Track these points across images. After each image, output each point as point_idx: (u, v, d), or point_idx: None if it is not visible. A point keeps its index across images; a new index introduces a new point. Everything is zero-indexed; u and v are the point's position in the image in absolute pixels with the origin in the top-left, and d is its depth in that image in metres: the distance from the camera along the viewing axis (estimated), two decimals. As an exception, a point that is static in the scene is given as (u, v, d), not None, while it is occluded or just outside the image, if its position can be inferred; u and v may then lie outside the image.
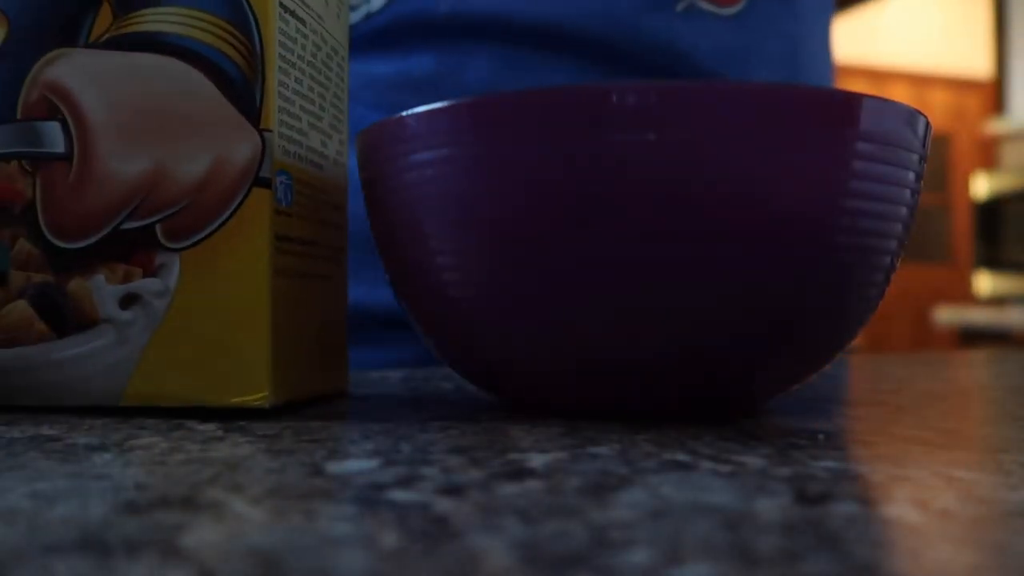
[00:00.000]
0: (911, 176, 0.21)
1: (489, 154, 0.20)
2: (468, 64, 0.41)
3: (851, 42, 3.76)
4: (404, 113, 0.21)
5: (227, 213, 0.23)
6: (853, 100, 0.20)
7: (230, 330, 0.23)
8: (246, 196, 0.23)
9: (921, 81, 3.92)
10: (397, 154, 0.21)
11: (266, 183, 0.23)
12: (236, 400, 0.23)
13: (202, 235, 0.23)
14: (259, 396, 0.23)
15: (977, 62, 4.00)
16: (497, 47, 0.41)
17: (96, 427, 0.21)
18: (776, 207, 0.19)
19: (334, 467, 0.16)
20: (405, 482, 0.15)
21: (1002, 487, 0.15)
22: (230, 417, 0.23)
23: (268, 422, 0.22)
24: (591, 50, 0.40)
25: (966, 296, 3.99)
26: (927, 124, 0.22)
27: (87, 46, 0.23)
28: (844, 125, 0.20)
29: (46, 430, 0.20)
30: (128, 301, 0.23)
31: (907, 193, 0.21)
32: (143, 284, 0.23)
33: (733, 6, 0.41)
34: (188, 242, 0.23)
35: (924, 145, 0.22)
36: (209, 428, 0.21)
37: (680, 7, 0.40)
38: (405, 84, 0.42)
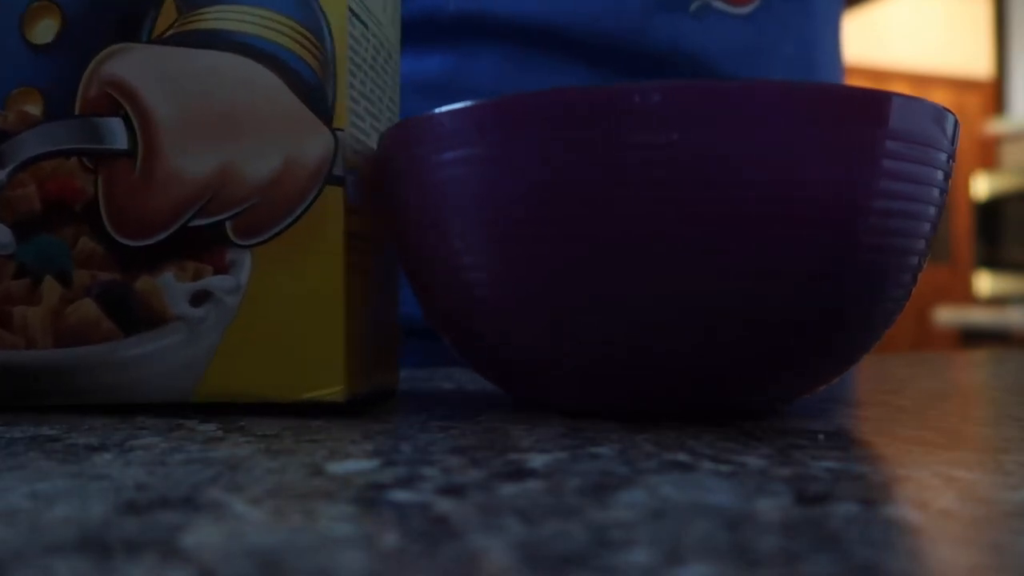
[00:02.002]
0: (940, 175, 0.21)
1: (511, 154, 0.20)
2: (476, 65, 0.41)
3: (852, 42, 3.76)
4: (429, 112, 0.21)
5: (299, 211, 0.23)
6: (882, 98, 0.19)
7: (305, 326, 0.23)
8: (319, 194, 0.23)
9: (921, 81, 3.92)
10: (420, 154, 0.21)
11: (339, 181, 0.23)
12: (310, 395, 0.23)
13: (274, 232, 0.23)
14: (335, 390, 0.23)
15: (978, 62, 4.00)
16: (506, 47, 0.41)
17: (96, 427, 0.21)
18: (803, 208, 0.19)
19: (334, 467, 0.16)
20: (405, 482, 0.15)
21: (1002, 487, 0.15)
22: (234, 416, 0.23)
23: (268, 422, 0.22)
24: (601, 51, 0.40)
25: (966, 296, 3.99)
26: (956, 122, 0.21)
27: (150, 42, 0.23)
28: (873, 124, 0.19)
29: (46, 430, 0.20)
30: (199, 298, 0.23)
31: (935, 192, 0.21)
32: (214, 281, 0.23)
33: (746, 6, 0.41)
34: (259, 239, 0.23)
35: (953, 144, 0.22)
36: (209, 428, 0.21)
37: (693, 7, 0.40)
38: (413, 85, 0.42)
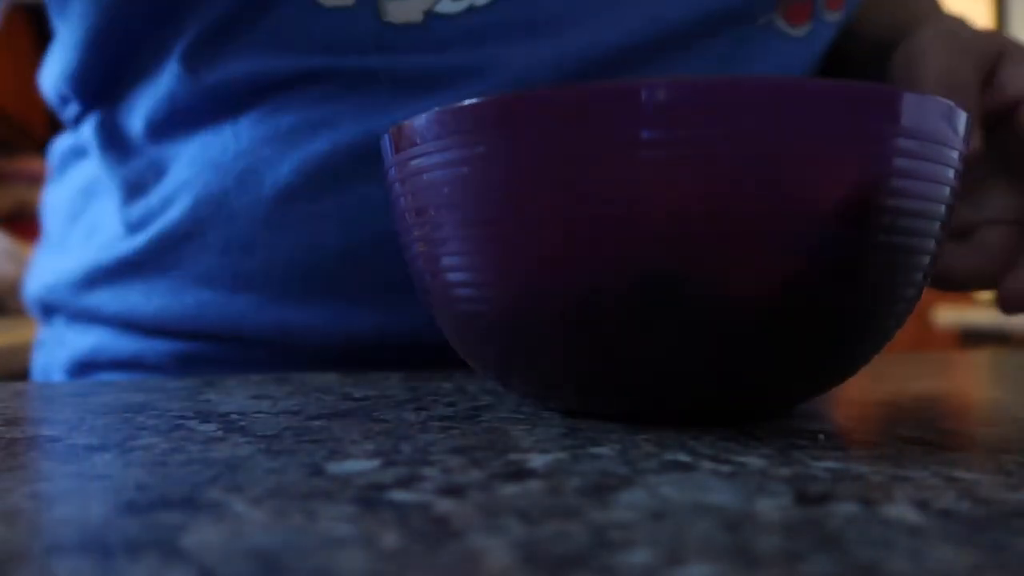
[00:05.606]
0: (951, 173, 0.21)
1: (510, 152, 0.19)
2: None
3: (851, 42, 3.76)
4: (431, 111, 0.21)
5: None
6: (893, 95, 0.19)
7: None
8: None
9: (921, 81, 3.91)
10: (432, 151, 0.21)
11: None
12: None
13: None
14: None
15: (977, 62, 4.00)
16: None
17: (96, 427, 0.21)
18: (814, 205, 0.19)
19: (334, 467, 0.16)
20: (405, 482, 0.15)
21: (1002, 487, 0.15)
22: (234, 416, 0.23)
23: (268, 422, 0.22)
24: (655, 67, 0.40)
25: (966, 296, 3.99)
26: (968, 120, 0.21)
27: None
28: (885, 121, 0.19)
29: (46, 430, 0.20)
30: None
31: (947, 191, 0.21)
32: None
33: (802, 26, 0.41)
34: None
35: (965, 141, 0.21)
36: (209, 428, 0.21)
37: (761, 20, 0.40)
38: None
